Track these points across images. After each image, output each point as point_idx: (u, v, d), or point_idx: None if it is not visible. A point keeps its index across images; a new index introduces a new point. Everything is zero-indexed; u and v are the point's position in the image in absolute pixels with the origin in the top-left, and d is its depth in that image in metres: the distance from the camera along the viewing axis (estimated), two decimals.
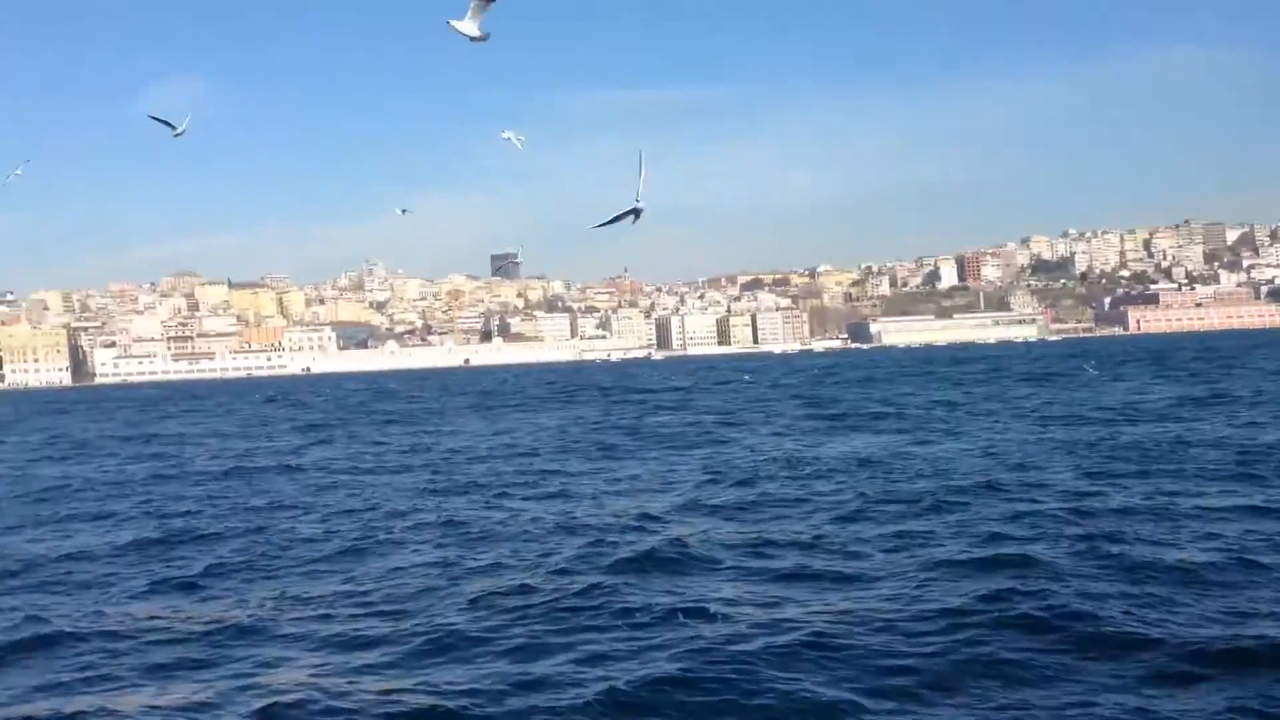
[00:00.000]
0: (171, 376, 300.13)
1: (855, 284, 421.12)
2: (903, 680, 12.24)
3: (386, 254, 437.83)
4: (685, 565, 18.44)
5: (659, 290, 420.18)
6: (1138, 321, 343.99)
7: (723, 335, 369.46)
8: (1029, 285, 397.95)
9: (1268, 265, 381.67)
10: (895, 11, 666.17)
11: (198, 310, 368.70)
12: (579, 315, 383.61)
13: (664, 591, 16.47)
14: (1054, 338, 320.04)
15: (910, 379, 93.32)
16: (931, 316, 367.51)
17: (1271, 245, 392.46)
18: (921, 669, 12.54)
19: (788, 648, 13.38)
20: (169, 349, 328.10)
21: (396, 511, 26.22)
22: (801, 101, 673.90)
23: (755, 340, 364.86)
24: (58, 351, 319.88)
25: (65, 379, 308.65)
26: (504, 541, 21.55)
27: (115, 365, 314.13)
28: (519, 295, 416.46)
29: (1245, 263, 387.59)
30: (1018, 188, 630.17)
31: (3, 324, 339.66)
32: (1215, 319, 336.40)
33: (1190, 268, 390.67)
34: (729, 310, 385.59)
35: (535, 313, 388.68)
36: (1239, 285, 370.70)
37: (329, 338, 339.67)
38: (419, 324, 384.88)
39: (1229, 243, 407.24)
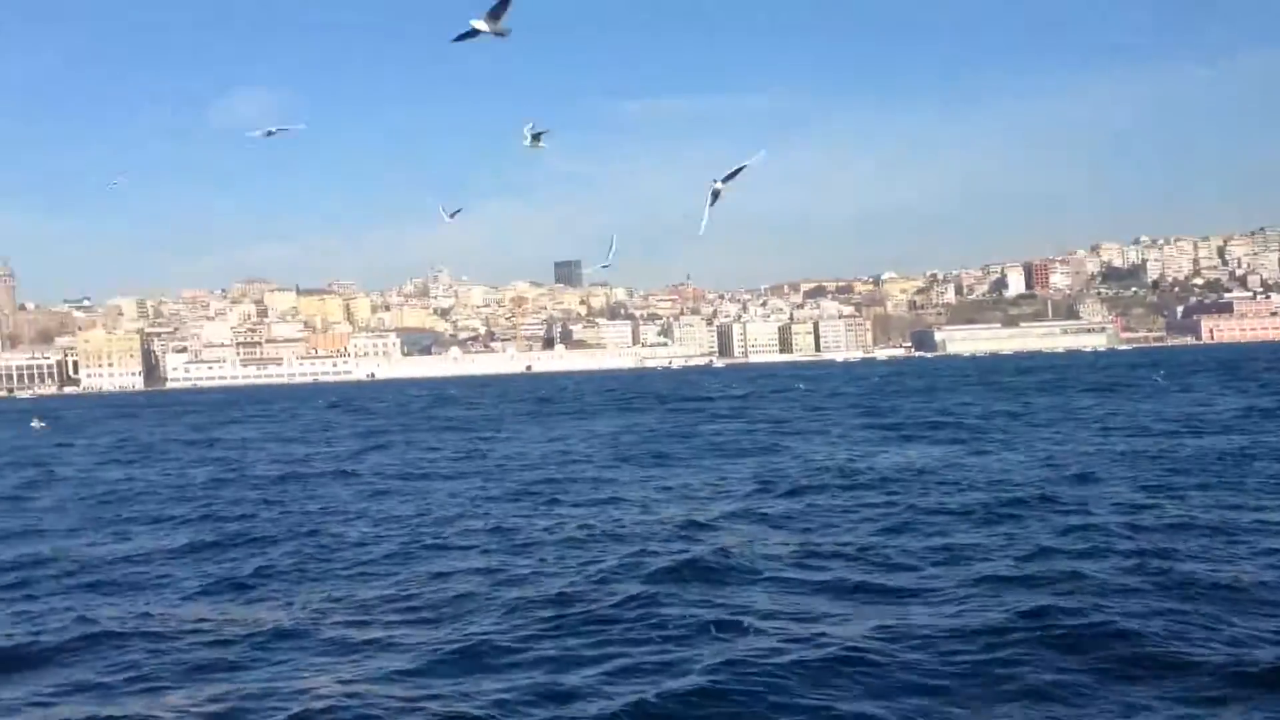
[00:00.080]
0: (240, 381, 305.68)
1: (920, 292, 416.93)
2: (934, 700, 12.02)
3: (451, 261, 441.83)
4: (726, 576, 18.32)
5: (721, 297, 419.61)
6: (1211, 330, 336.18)
7: (785, 343, 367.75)
8: (1099, 293, 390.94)
9: None
10: (961, 18, 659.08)
11: (266, 316, 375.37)
12: (641, 322, 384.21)
13: (702, 603, 16.36)
14: (1124, 347, 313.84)
15: (972, 388, 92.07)
16: (998, 325, 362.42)
17: None
18: (955, 689, 12.30)
19: (821, 663, 13.21)
20: (238, 354, 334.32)
21: (445, 518, 26.41)
22: (869, 108, 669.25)
23: (818, 348, 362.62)
24: (131, 356, 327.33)
25: (138, 383, 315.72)
26: (548, 549, 21.59)
27: (186, 370, 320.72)
28: (582, 302, 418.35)
29: None
30: (1088, 195, 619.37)
31: (80, 329, 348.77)
32: None
33: (1266, 275, 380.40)
34: (791, 318, 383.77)
35: (597, 320, 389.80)
36: None
37: (393, 344, 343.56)
38: (482, 330, 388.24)
39: None
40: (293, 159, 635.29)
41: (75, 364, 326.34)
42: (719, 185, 18.21)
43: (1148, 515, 22.11)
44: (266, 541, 24.01)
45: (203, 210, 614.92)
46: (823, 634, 14.39)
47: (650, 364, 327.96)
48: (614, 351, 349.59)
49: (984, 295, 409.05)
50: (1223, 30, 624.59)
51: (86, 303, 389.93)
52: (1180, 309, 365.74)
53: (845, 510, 24.97)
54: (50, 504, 33.04)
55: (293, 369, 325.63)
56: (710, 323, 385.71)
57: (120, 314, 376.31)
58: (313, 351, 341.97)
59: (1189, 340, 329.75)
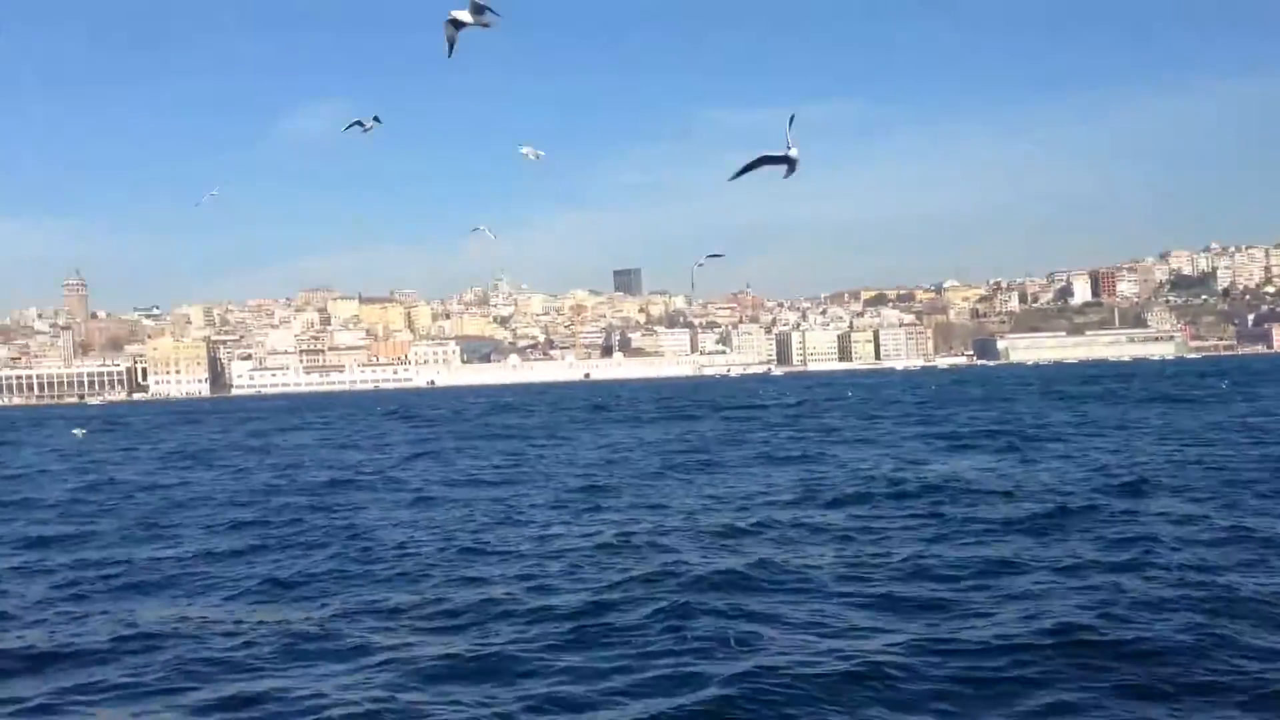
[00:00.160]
0: (303, 389, 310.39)
1: (983, 300, 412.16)
2: (953, 716, 11.81)
3: (512, 270, 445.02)
4: (759, 586, 18.10)
5: (781, 306, 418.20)
6: None
7: (844, 351, 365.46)
8: (1167, 301, 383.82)
9: None
10: (1030, 22, 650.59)
11: (329, 324, 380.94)
12: (700, 330, 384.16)
13: (732, 614, 16.17)
14: (1193, 355, 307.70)
15: (1032, 397, 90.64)
16: (1063, 333, 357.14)
17: None
18: (975, 705, 12.04)
19: (842, 676, 12.99)
20: (301, 361, 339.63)
21: (485, 524, 26.51)
22: (932, 115, 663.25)
23: (877, 356, 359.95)
24: (198, 363, 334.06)
25: (204, 390, 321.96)
26: (584, 556, 21.55)
27: (250, 377, 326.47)
28: (641, 310, 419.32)
29: None
30: (1157, 202, 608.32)
31: (149, 337, 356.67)
32: None
33: None
34: (851, 326, 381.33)
35: (656, 328, 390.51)
36: None
37: (453, 352, 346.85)
38: (541, 338, 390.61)
39: None
40: (357, 170, 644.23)
41: (144, 371, 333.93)
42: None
43: (1196, 527, 21.55)
44: (308, 546, 24.29)
45: (269, 220, 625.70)
46: (849, 647, 14.17)
47: (708, 372, 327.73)
48: (672, 359, 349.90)
49: (1048, 303, 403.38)
50: None
51: (156, 311, 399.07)
52: (1251, 317, 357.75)
53: (887, 520, 24.65)
54: (105, 508, 33.71)
55: (354, 376, 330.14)
56: (769, 331, 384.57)
57: (188, 322, 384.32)
58: (374, 359, 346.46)
59: (1260, 349, 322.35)
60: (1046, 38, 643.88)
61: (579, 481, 35.83)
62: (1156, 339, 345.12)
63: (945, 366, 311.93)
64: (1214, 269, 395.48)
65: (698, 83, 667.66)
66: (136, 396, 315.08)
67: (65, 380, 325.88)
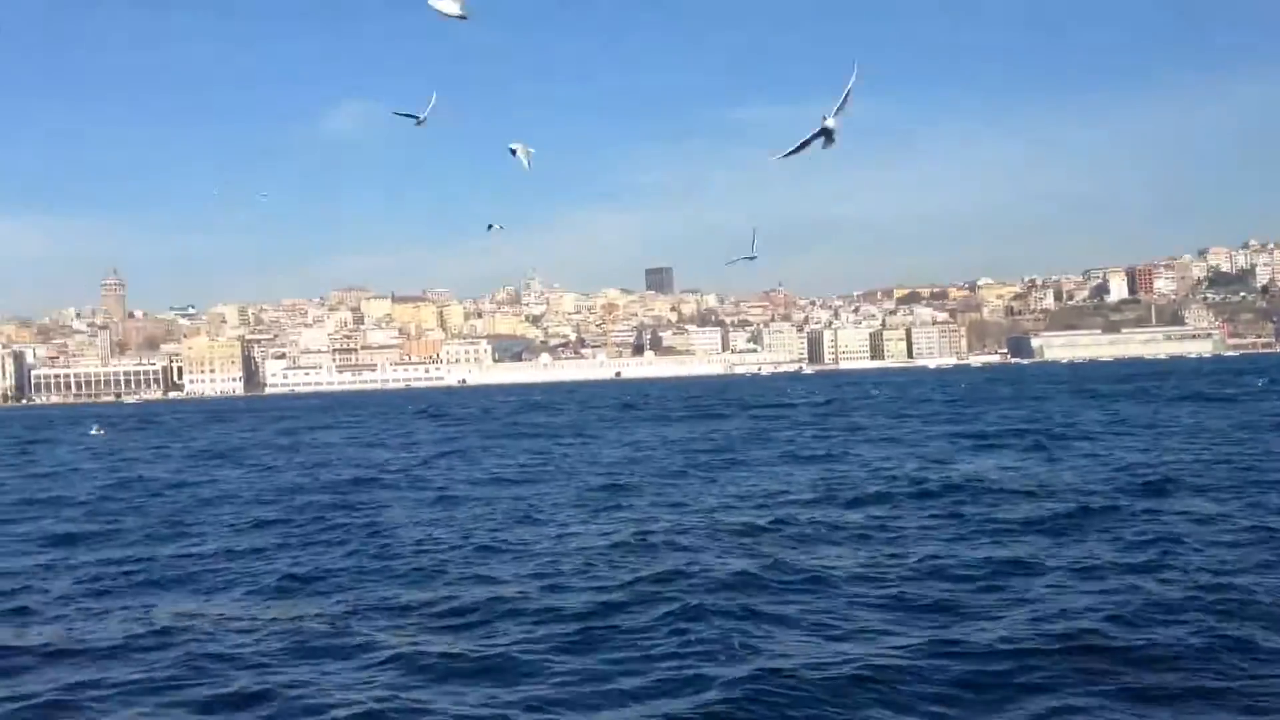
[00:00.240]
0: (335, 387, 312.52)
1: (1017, 297, 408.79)
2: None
3: (543, 268, 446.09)
4: (769, 587, 17.99)
5: (813, 304, 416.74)
6: None
7: (876, 350, 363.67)
8: (1205, 298, 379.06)
9: None
10: (1061, 19, 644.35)
11: (363, 323, 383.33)
12: (731, 329, 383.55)
13: (739, 615, 16.04)
14: (1230, 353, 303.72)
15: (1063, 396, 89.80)
16: (1098, 331, 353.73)
17: None
18: (980, 707, 11.95)
19: (851, 679, 12.86)
20: (334, 360, 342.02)
21: (504, 523, 26.57)
22: (963, 112, 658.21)
23: (910, 354, 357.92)
24: (232, 362, 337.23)
25: (238, 389, 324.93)
26: (599, 555, 21.54)
27: (284, 376, 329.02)
28: (672, 309, 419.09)
29: None
30: (1194, 198, 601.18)
31: (185, 336, 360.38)
32: None
33: None
34: (883, 324, 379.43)
35: (687, 326, 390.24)
36: None
37: (485, 350, 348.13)
38: (573, 337, 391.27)
39: None
40: (391, 170, 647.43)
41: (179, 370, 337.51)
42: (830, 124, 15.79)
43: (1217, 527, 21.26)
44: (327, 544, 24.47)
45: (304, 220, 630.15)
46: (858, 649, 14.06)
47: (739, 370, 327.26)
48: (703, 358, 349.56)
49: (1084, 301, 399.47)
50: None
51: (191, 310, 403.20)
52: None
53: (906, 520, 24.47)
54: (132, 506, 34.11)
55: (386, 375, 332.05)
56: (800, 329, 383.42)
57: (223, 321, 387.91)
58: (406, 358, 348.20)
59: None
60: (1077, 37, 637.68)
61: (601, 480, 35.88)
62: (1194, 337, 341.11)
63: (978, 365, 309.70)
64: (1252, 266, 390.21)
65: (721, 80, 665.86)
66: (172, 395, 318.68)
67: (102, 379, 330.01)
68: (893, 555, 20.37)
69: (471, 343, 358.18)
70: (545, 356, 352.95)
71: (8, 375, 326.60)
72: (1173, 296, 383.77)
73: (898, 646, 14.12)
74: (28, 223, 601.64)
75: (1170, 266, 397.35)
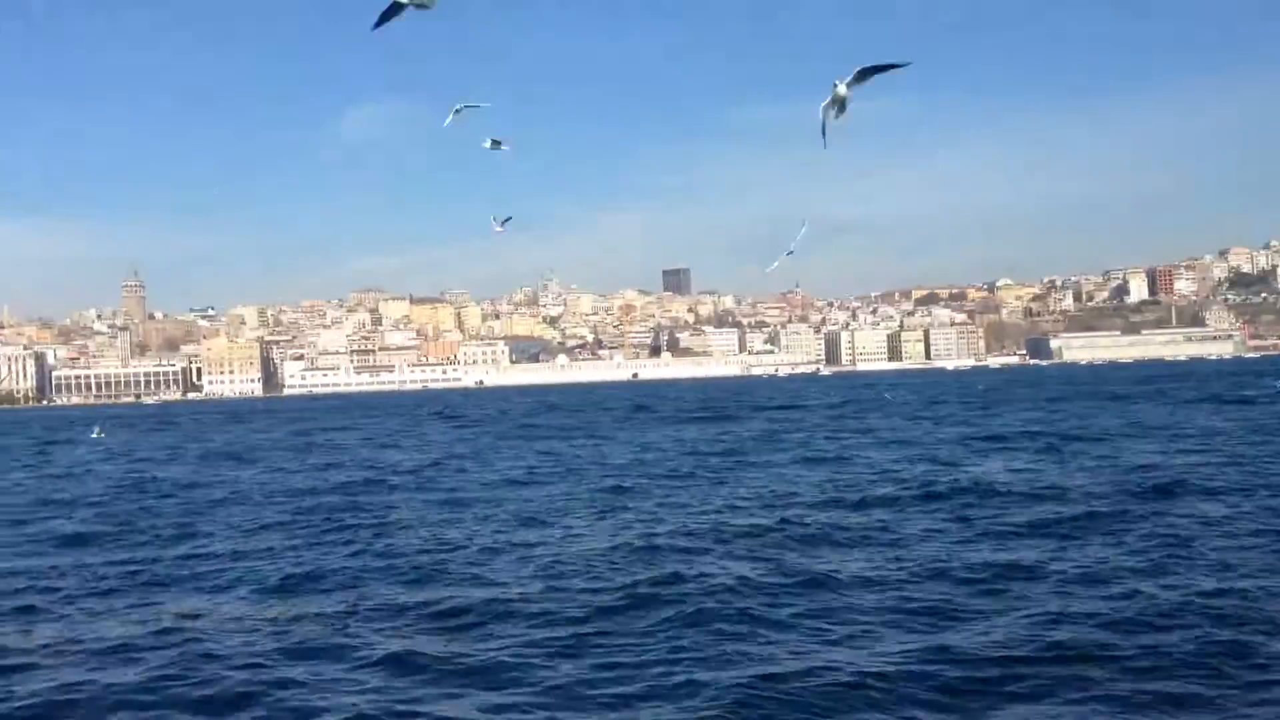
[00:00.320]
0: (353, 388, 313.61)
1: (1036, 298, 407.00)
2: None
3: (561, 270, 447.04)
4: (769, 591, 17.87)
5: (830, 305, 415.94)
6: None
7: (893, 351, 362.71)
8: (1226, 299, 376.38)
9: None
10: (1084, 22, 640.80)
11: (380, 325, 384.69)
12: (748, 330, 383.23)
13: (737, 620, 16.01)
14: (1251, 355, 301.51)
15: (1080, 397, 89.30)
16: (1118, 332, 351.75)
17: None
18: (980, 717, 11.91)
19: (847, 685, 12.76)
20: (352, 361, 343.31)
21: (507, 525, 26.57)
22: (979, 112, 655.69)
23: (928, 356, 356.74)
24: (251, 364, 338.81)
25: (257, 390, 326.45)
26: (601, 558, 21.48)
27: (302, 377, 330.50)
28: (689, 310, 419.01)
29: None
30: (1215, 199, 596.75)
31: (204, 337, 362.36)
32: None
33: None
34: (901, 325, 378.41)
35: (704, 328, 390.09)
36: None
37: (502, 352, 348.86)
38: (590, 338, 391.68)
39: None
40: (409, 170, 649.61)
41: (199, 371, 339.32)
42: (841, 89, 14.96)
43: (1224, 530, 21.10)
44: (333, 545, 24.52)
45: (323, 221, 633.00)
46: (855, 654, 13.96)
47: (756, 372, 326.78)
48: (720, 359, 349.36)
49: (1104, 302, 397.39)
50: None
51: (210, 312, 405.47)
52: None
53: (912, 523, 24.33)
54: (144, 506, 34.29)
55: (404, 376, 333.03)
56: (818, 331, 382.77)
57: (242, 323, 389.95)
58: (424, 359, 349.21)
59: None
60: (1099, 37, 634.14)
61: (610, 483, 35.81)
62: (1214, 338, 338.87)
63: (997, 366, 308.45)
64: (1274, 267, 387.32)
65: (738, 80, 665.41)
66: (191, 396, 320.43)
67: (122, 380, 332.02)
68: (896, 559, 20.26)
69: (489, 344, 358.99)
70: (562, 358, 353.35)
71: (29, 376, 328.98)
72: (1193, 297, 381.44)
73: (896, 651, 14.02)
74: (48, 224, 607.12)
75: (1191, 267, 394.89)
